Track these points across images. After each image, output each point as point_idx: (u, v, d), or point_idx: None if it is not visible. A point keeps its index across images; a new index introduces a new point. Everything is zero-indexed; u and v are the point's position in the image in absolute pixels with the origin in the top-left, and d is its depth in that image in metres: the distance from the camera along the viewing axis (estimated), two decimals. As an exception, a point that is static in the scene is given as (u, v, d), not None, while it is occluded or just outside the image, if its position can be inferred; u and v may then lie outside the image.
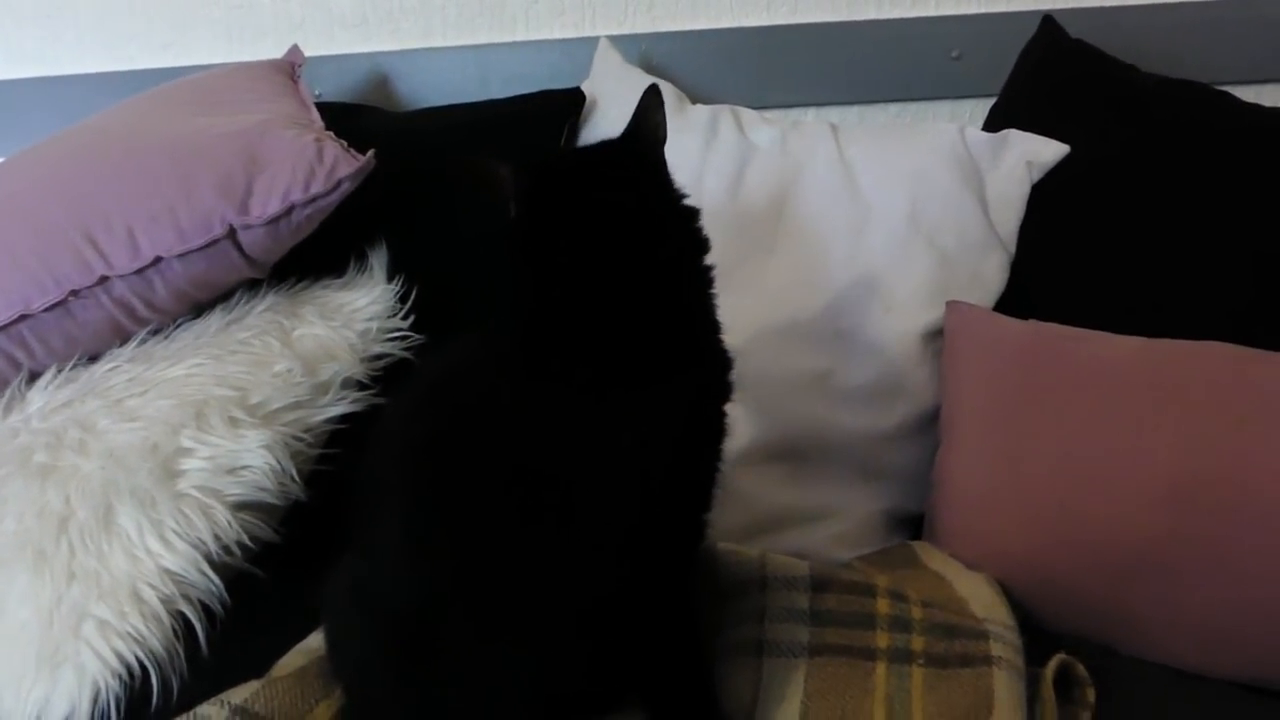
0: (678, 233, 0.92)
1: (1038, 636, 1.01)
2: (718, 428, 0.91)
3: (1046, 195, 1.36)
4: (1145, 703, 0.98)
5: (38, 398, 1.16)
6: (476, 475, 0.82)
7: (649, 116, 0.93)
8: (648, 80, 1.52)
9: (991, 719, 0.89)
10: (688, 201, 0.94)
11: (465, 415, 0.85)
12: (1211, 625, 1.04)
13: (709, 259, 0.93)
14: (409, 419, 0.90)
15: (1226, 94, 1.38)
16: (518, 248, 0.90)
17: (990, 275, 1.34)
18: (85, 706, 0.92)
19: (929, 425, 1.28)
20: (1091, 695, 0.96)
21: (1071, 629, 1.07)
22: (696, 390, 0.88)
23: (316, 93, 1.52)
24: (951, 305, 1.28)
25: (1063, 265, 1.34)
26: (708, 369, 0.90)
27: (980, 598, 1.04)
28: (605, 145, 0.95)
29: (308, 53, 1.53)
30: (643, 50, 1.59)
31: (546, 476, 0.81)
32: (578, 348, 0.85)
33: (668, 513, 0.85)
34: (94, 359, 1.21)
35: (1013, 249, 1.36)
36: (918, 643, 0.97)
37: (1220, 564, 1.03)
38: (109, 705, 0.93)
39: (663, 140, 0.95)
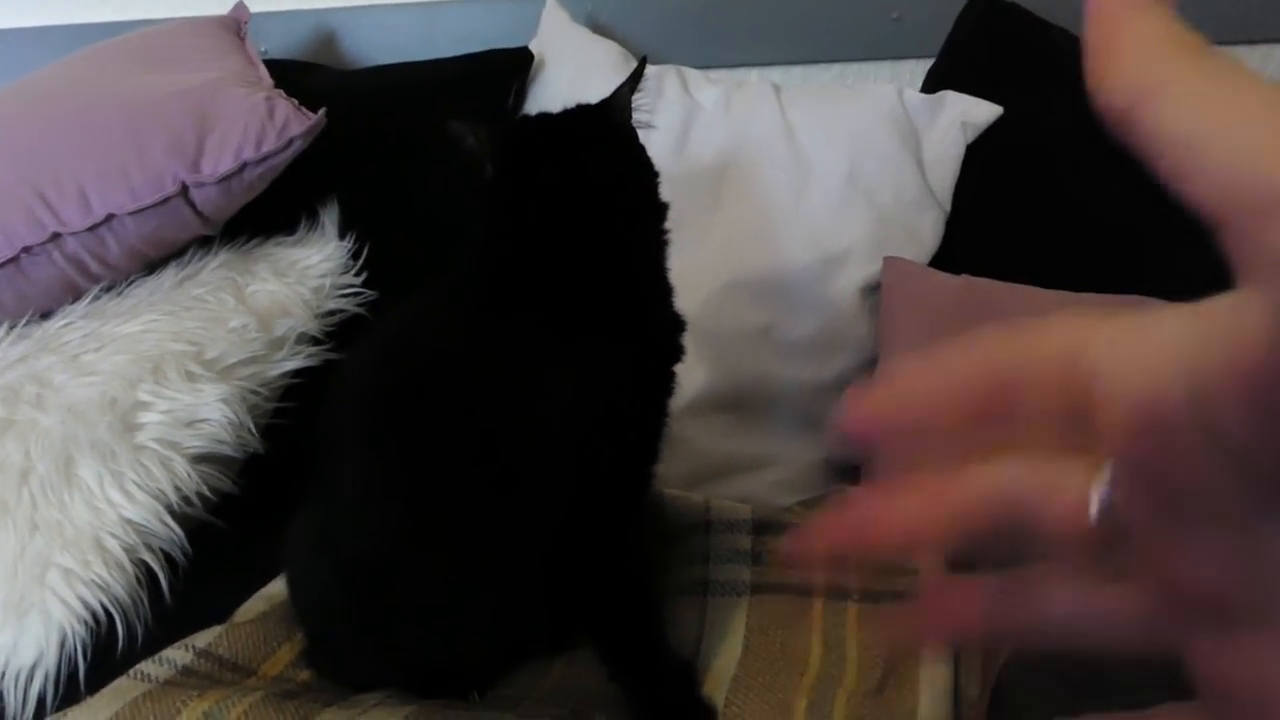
0: (640, 197, 0.95)
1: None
2: (666, 386, 0.94)
3: (980, 155, 1.41)
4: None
5: (-9, 354, 1.17)
6: (434, 418, 0.86)
7: (625, 87, 0.98)
8: (594, 40, 1.55)
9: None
10: (651, 167, 0.97)
11: (425, 360, 0.88)
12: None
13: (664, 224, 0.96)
14: (370, 364, 0.93)
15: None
16: (491, 205, 0.93)
17: (926, 232, 1.39)
18: (52, 651, 0.95)
19: (867, 376, 1.33)
20: (1015, 628, 1.02)
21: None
22: (648, 349, 0.91)
23: (262, 49, 1.52)
24: (888, 261, 1.32)
25: (994, 222, 1.39)
26: (659, 329, 0.94)
27: (912, 537, 1.09)
28: (580, 110, 0.98)
29: (252, 8, 1.52)
30: (589, 10, 1.60)
31: (501, 421, 0.85)
32: (540, 301, 0.88)
33: (615, 463, 0.89)
34: (46, 316, 1.23)
35: (948, 207, 1.40)
36: (853, 580, 1.03)
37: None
38: (75, 650, 0.96)
39: (627, 110, 0.98)
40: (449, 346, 0.88)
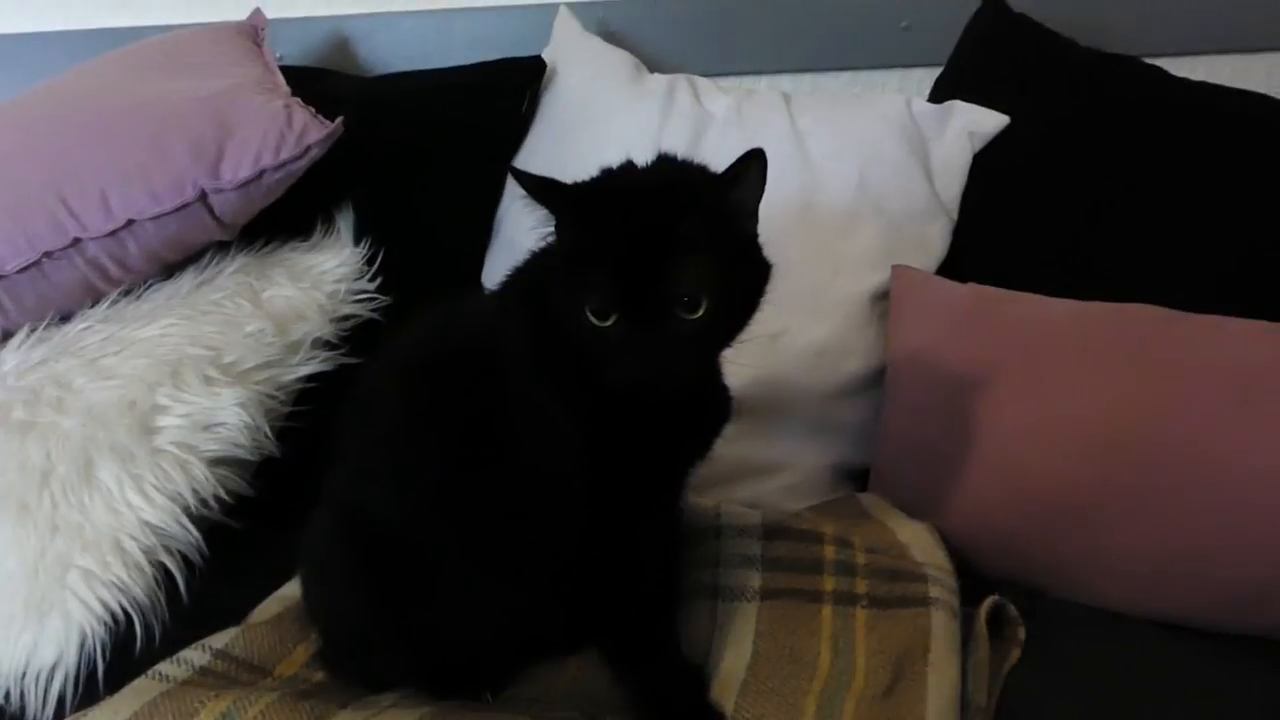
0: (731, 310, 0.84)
1: (973, 580, 1.08)
2: (697, 452, 0.94)
3: (988, 164, 1.42)
4: (1071, 640, 1.05)
5: (11, 357, 1.19)
6: (468, 404, 0.88)
7: (742, 176, 0.80)
8: (606, 48, 1.56)
9: (929, 655, 0.95)
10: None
11: (469, 350, 0.90)
12: (1133, 569, 1.11)
13: None
14: (408, 349, 0.95)
15: (1157, 68, 1.44)
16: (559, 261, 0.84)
17: (934, 240, 1.40)
18: (73, 651, 0.96)
19: (875, 383, 1.34)
20: (1022, 633, 1.03)
21: (1004, 573, 1.14)
22: (680, 420, 0.88)
23: (278, 55, 1.53)
24: (897, 269, 1.33)
25: (1002, 231, 1.40)
26: (699, 407, 0.92)
27: (920, 544, 1.10)
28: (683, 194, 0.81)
29: (269, 15, 1.54)
30: (600, 18, 1.61)
31: (529, 428, 0.87)
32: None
33: (628, 495, 0.90)
34: (65, 319, 1.24)
35: (955, 215, 1.42)
36: (861, 586, 1.04)
37: (1142, 513, 1.10)
38: (95, 650, 0.97)
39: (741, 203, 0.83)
40: (491, 346, 0.89)
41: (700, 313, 0.78)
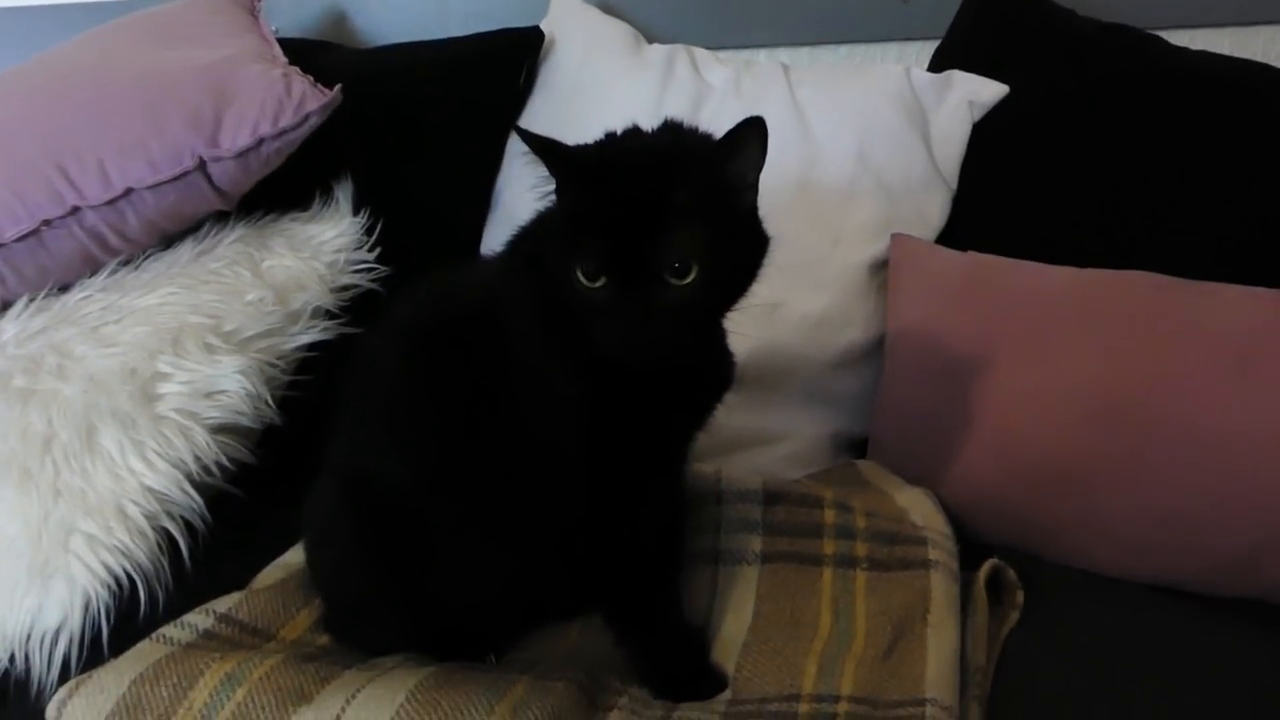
0: (728, 273, 0.84)
1: (971, 546, 1.09)
2: (699, 416, 0.94)
3: (987, 133, 1.42)
4: (1068, 604, 1.05)
5: (11, 326, 1.19)
6: (472, 367, 0.88)
7: (743, 145, 0.80)
8: (605, 20, 1.56)
9: (928, 617, 0.96)
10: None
11: (465, 319, 0.91)
12: (1128, 534, 1.12)
13: None
14: (409, 316, 0.95)
15: (1157, 38, 1.44)
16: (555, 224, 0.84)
17: (933, 210, 1.40)
18: (77, 615, 0.97)
19: (875, 352, 1.34)
20: (1020, 598, 1.03)
21: (1002, 539, 1.15)
22: (681, 383, 0.88)
23: (274, 28, 1.53)
24: (896, 238, 1.34)
25: (1000, 200, 1.40)
26: (700, 368, 0.92)
27: (919, 508, 1.11)
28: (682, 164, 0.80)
29: (265, -13, 1.53)
30: (600, -11, 1.61)
31: (530, 393, 0.87)
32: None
33: (628, 463, 0.90)
34: (64, 289, 1.24)
35: (954, 185, 1.42)
36: (861, 549, 1.05)
37: (1137, 478, 1.11)
38: (99, 614, 0.98)
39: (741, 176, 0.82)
40: (491, 312, 0.89)
41: (689, 279, 0.78)
